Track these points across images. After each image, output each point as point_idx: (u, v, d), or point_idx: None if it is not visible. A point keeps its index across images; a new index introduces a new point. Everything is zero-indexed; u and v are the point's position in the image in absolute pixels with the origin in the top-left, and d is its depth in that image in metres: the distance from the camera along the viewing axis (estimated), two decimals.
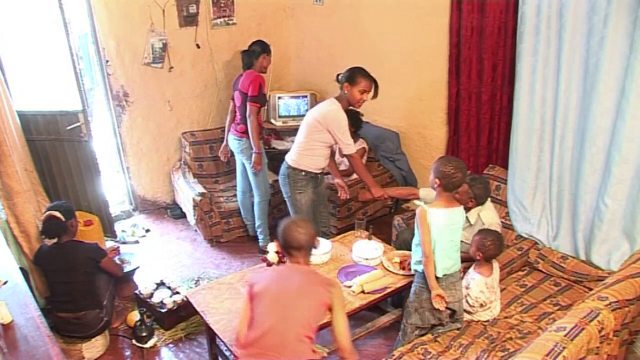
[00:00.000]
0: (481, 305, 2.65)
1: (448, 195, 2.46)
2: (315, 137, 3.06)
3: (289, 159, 3.18)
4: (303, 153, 3.12)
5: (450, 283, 2.51)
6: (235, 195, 4.27)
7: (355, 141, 4.20)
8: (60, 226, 2.80)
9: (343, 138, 3.02)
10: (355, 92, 2.96)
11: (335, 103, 3.02)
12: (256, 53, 3.69)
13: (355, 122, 4.18)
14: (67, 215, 2.83)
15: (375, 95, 3.01)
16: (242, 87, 3.60)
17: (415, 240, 2.52)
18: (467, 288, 2.65)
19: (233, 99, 3.79)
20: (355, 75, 2.96)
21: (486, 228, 2.74)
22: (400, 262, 2.87)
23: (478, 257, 2.65)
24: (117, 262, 3.28)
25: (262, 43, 3.75)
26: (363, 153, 4.24)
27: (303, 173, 3.15)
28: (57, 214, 2.79)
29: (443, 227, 2.41)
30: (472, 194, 2.81)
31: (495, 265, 2.73)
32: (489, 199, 2.92)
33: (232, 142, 3.78)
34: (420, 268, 2.50)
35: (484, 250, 2.62)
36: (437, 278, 2.44)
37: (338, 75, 3.07)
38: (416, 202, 2.54)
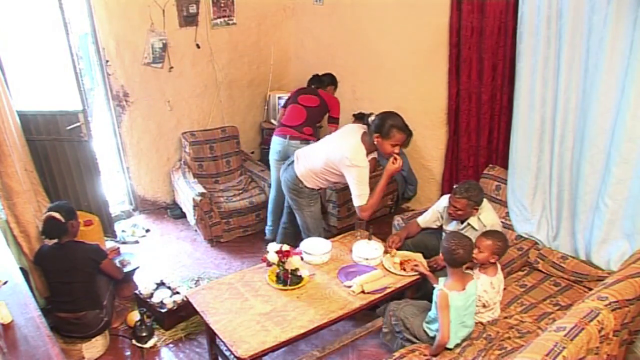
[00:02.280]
0: (484, 306, 2.65)
1: (458, 271, 2.48)
2: (332, 175, 3.02)
3: (304, 178, 3.08)
4: (317, 178, 3.07)
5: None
6: (235, 195, 4.28)
7: None
8: (59, 227, 2.80)
9: (357, 190, 2.84)
10: (387, 145, 2.78)
11: (361, 152, 2.81)
12: (325, 82, 3.96)
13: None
14: (68, 216, 2.83)
15: (407, 144, 2.86)
16: (329, 102, 3.84)
17: (432, 314, 2.52)
18: None
19: (301, 103, 3.82)
20: (389, 128, 2.74)
21: (489, 230, 2.72)
22: (401, 263, 2.87)
23: (493, 260, 2.63)
24: (117, 263, 3.28)
25: (333, 77, 4.12)
26: (374, 164, 4.22)
27: (317, 189, 3.18)
28: (57, 215, 2.78)
29: (460, 307, 2.43)
30: (473, 203, 2.80)
31: (499, 266, 2.72)
32: (485, 200, 2.92)
33: (298, 147, 3.54)
34: (431, 332, 2.53)
35: (500, 252, 2.61)
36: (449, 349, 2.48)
37: (368, 116, 2.88)
38: (435, 285, 2.53)
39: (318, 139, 3.55)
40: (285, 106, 3.90)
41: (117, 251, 3.48)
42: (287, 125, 3.73)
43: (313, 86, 4.02)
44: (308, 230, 3.25)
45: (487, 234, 2.67)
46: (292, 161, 3.18)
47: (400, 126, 2.76)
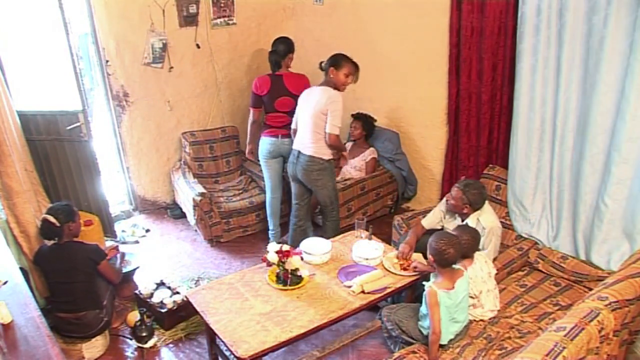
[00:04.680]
0: (471, 298, 2.63)
1: (448, 269, 2.48)
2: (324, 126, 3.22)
3: (318, 153, 3.26)
4: (323, 144, 3.25)
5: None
6: (235, 195, 4.28)
7: (366, 149, 4.20)
8: (54, 231, 2.80)
9: (335, 121, 3.17)
10: (341, 75, 3.19)
11: (334, 91, 3.18)
12: (282, 54, 3.56)
13: (368, 127, 4.17)
14: (65, 218, 2.82)
15: (356, 80, 3.25)
16: (296, 92, 3.51)
17: (423, 310, 2.53)
18: None
19: (257, 107, 3.63)
20: (339, 60, 3.20)
21: (463, 225, 2.73)
22: (401, 263, 2.87)
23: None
24: (118, 259, 3.26)
25: (287, 42, 3.60)
26: (374, 164, 4.22)
27: (332, 160, 3.37)
28: (52, 218, 2.77)
29: (450, 306, 2.43)
30: (466, 199, 2.81)
31: (478, 257, 2.67)
32: (487, 202, 2.91)
33: (290, 144, 3.53)
34: (424, 330, 2.53)
35: (460, 247, 2.55)
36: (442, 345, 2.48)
37: (321, 63, 3.28)
38: (424, 282, 2.53)
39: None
40: (255, 106, 3.67)
41: (116, 249, 3.44)
42: (276, 126, 3.63)
43: (275, 69, 3.60)
44: (332, 202, 3.45)
45: (458, 227, 2.70)
46: (297, 152, 3.34)
47: (347, 58, 3.21)
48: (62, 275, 2.79)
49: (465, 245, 2.59)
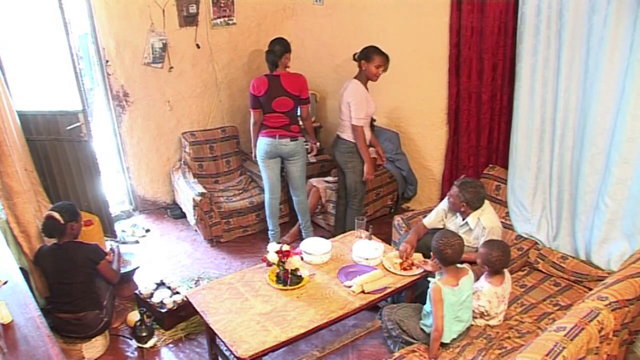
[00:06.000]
0: (482, 315, 2.63)
1: (452, 267, 2.49)
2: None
3: (347, 136, 3.49)
4: (349, 129, 3.45)
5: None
6: (235, 195, 4.28)
7: None
8: (57, 228, 2.80)
9: (354, 114, 3.37)
10: (372, 67, 3.33)
11: (356, 82, 3.41)
12: (279, 54, 3.52)
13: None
14: (69, 217, 2.82)
15: (386, 69, 3.38)
16: (293, 91, 3.52)
17: (427, 308, 2.53)
18: (474, 293, 2.62)
19: (256, 108, 3.58)
20: (369, 53, 3.34)
21: (492, 240, 2.69)
22: (401, 263, 2.87)
23: (486, 270, 2.63)
24: (116, 264, 3.25)
25: (283, 42, 3.57)
26: (374, 165, 4.21)
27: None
28: (57, 215, 2.78)
29: (454, 303, 2.44)
30: (462, 198, 2.80)
31: (507, 275, 2.68)
32: (487, 202, 2.91)
33: (288, 144, 3.59)
34: (427, 329, 2.53)
35: (490, 265, 2.59)
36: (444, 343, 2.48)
37: (355, 54, 3.42)
38: (430, 279, 2.53)
39: (304, 135, 3.74)
40: (255, 108, 3.60)
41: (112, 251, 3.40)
42: (273, 127, 3.60)
43: (272, 69, 3.55)
44: (355, 189, 3.62)
45: (487, 242, 2.66)
46: (336, 136, 3.58)
47: (378, 50, 3.35)
48: (62, 276, 2.79)
49: (496, 261, 2.57)
